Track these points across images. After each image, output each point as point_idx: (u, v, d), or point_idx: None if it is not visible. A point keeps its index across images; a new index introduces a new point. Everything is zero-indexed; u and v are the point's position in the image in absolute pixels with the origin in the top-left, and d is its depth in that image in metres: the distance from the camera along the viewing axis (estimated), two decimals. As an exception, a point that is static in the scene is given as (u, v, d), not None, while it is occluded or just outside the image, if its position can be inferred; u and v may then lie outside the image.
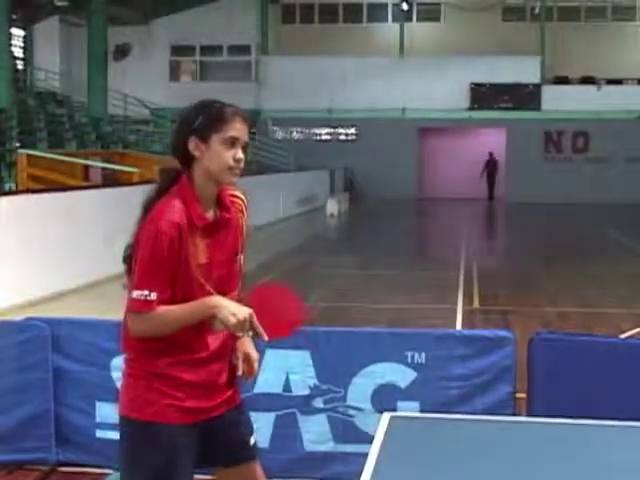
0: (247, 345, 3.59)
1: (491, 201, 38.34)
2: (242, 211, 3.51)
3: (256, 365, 3.60)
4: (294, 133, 38.40)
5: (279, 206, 25.53)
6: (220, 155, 3.29)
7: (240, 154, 3.32)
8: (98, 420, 5.79)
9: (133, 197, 15.48)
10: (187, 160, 3.33)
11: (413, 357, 5.54)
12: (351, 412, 5.60)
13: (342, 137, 38.65)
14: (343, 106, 37.66)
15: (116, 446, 5.70)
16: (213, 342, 3.40)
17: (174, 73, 39.83)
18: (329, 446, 5.64)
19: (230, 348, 3.51)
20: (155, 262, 3.20)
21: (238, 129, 3.32)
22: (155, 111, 34.81)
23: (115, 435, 5.66)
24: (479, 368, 5.53)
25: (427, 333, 5.87)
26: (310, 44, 38.84)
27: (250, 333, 3.31)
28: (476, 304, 12.56)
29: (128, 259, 3.37)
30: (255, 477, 3.61)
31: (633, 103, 36.95)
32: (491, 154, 38.86)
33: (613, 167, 37.35)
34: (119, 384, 5.60)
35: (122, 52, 35.99)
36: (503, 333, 5.67)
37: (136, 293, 3.21)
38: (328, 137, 38.58)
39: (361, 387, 5.58)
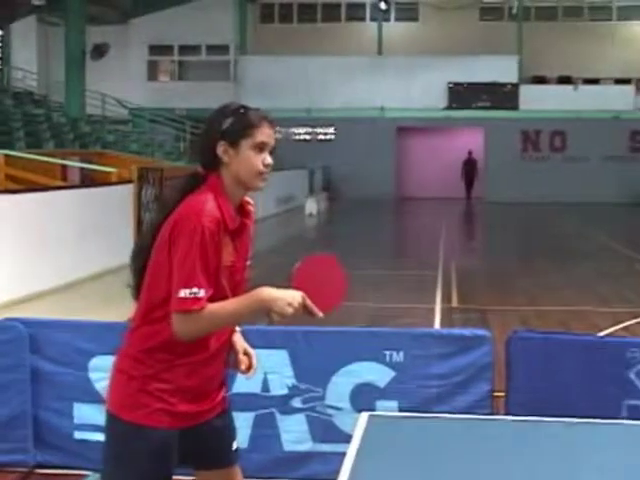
0: (243, 340, 3.59)
1: (468, 200, 38.42)
2: (252, 217, 3.50)
3: (255, 360, 3.59)
4: (273, 133, 38.27)
5: (257, 206, 25.44)
6: (250, 160, 3.31)
7: (269, 159, 3.34)
8: (76, 422, 5.77)
9: (111, 197, 15.40)
10: (214, 164, 3.33)
11: (391, 356, 5.55)
12: (330, 411, 5.61)
13: (321, 137, 38.65)
14: (321, 105, 37.67)
15: (94, 448, 5.71)
16: (214, 343, 3.36)
17: (152, 73, 39.69)
18: (308, 446, 5.64)
19: (228, 349, 3.48)
20: (201, 258, 3.15)
21: (267, 134, 3.34)
22: (133, 111, 34.69)
23: (93, 436, 5.70)
24: (457, 367, 5.55)
25: (405, 332, 5.88)
26: (288, 43, 38.83)
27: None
28: (454, 303, 12.58)
29: (138, 258, 3.35)
30: None
31: (610, 102, 37.15)
32: (470, 153, 38.95)
33: (590, 166, 37.53)
34: (97, 385, 5.66)
35: (100, 52, 35.74)
36: (481, 332, 5.69)
37: (184, 292, 3.13)
38: (307, 137, 38.58)
39: (340, 386, 5.58)
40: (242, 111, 3.34)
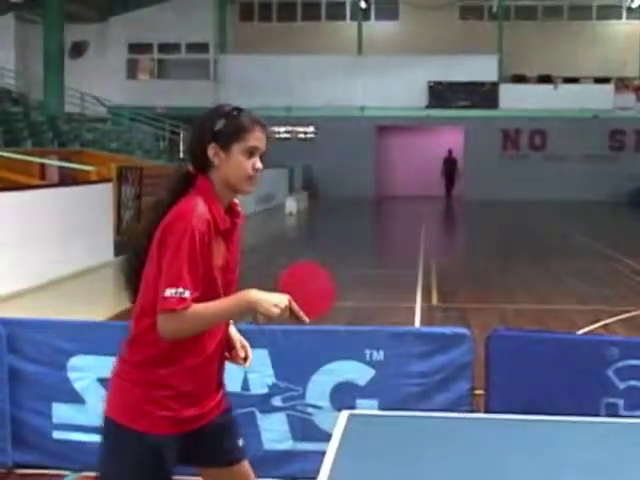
0: (237, 332, 3.60)
1: (449, 199, 38.53)
2: (241, 216, 3.50)
3: (250, 351, 3.62)
4: (252, 131, 38.17)
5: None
6: (240, 165, 3.29)
7: (259, 164, 3.32)
8: (55, 421, 5.74)
9: (91, 196, 15.29)
10: (204, 166, 3.32)
11: (371, 355, 5.55)
12: (310, 410, 5.60)
13: (301, 135, 38.62)
14: (302, 104, 37.65)
15: (73, 447, 5.69)
16: (211, 343, 3.36)
17: (131, 71, 39.55)
18: (288, 444, 5.64)
19: (223, 349, 3.48)
20: (189, 260, 3.15)
21: (258, 138, 3.32)
22: (112, 109, 34.56)
23: (72, 436, 5.68)
24: (437, 365, 5.55)
25: (385, 331, 5.88)
26: (268, 42, 38.76)
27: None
28: (435, 301, 12.60)
29: (133, 260, 3.34)
30: (244, 476, 3.62)
31: (589, 101, 37.30)
32: (450, 152, 39.03)
33: (570, 165, 37.67)
34: (76, 385, 5.64)
35: (79, 50, 35.65)
36: (461, 330, 5.69)
37: (169, 291, 3.13)
38: (287, 135, 38.52)
39: (320, 385, 5.58)
40: (235, 113, 3.32)
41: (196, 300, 3.17)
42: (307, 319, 3.30)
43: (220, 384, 3.53)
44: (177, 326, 3.17)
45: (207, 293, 3.23)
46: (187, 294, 3.14)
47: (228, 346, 3.55)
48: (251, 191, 3.38)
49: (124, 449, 3.31)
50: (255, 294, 3.22)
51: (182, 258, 3.14)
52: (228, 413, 3.59)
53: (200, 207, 3.21)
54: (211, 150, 3.28)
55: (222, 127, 3.28)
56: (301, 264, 3.46)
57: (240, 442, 3.62)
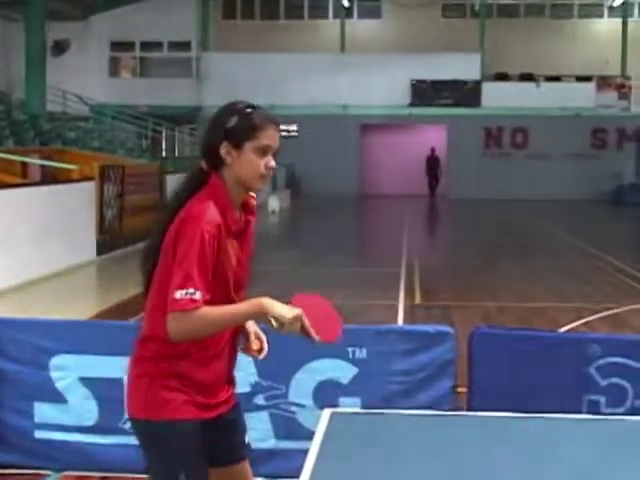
0: (254, 324, 3.58)
1: (432, 197, 38.60)
2: (254, 212, 3.49)
3: (265, 343, 3.60)
4: (235, 130, 38.09)
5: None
6: (252, 163, 3.28)
7: (272, 162, 3.31)
8: (37, 421, 5.72)
9: (73, 194, 15.26)
10: (216, 163, 3.30)
11: (354, 353, 5.55)
12: (293, 409, 5.60)
13: (283, 134, 38.41)
14: (284, 102, 37.55)
15: (55, 447, 5.67)
16: (219, 340, 3.37)
17: (113, 69, 39.41)
18: (271, 443, 5.64)
19: (234, 345, 3.49)
20: (199, 262, 3.14)
21: (271, 137, 3.31)
22: (94, 107, 34.43)
23: (54, 436, 5.65)
24: (420, 363, 5.56)
25: (368, 329, 5.87)
26: (251, 40, 38.72)
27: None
28: (418, 299, 12.62)
29: (149, 259, 3.35)
30: (247, 475, 3.63)
31: (571, 100, 37.42)
32: (433, 150, 39.09)
33: (552, 163, 37.80)
34: (58, 384, 5.62)
35: (61, 48, 35.47)
36: (444, 328, 5.70)
37: (179, 293, 3.12)
38: (269, 133, 38.43)
39: (302, 383, 5.58)
40: (248, 111, 3.30)
41: (207, 302, 3.17)
42: (316, 337, 3.27)
43: (230, 380, 3.54)
44: (186, 327, 3.17)
45: (218, 295, 3.23)
46: (198, 295, 3.14)
47: (242, 337, 3.55)
48: (263, 188, 3.39)
49: (160, 442, 3.32)
50: (267, 301, 3.22)
51: (192, 260, 3.14)
52: (237, 408, 3.60)
53: (211, 210, 3.20)
54: (223, 148, 3.27)
55: (234, 125, 3.26)
56: (312, 295, 3.44)
57: (246, 439, 3.64)
